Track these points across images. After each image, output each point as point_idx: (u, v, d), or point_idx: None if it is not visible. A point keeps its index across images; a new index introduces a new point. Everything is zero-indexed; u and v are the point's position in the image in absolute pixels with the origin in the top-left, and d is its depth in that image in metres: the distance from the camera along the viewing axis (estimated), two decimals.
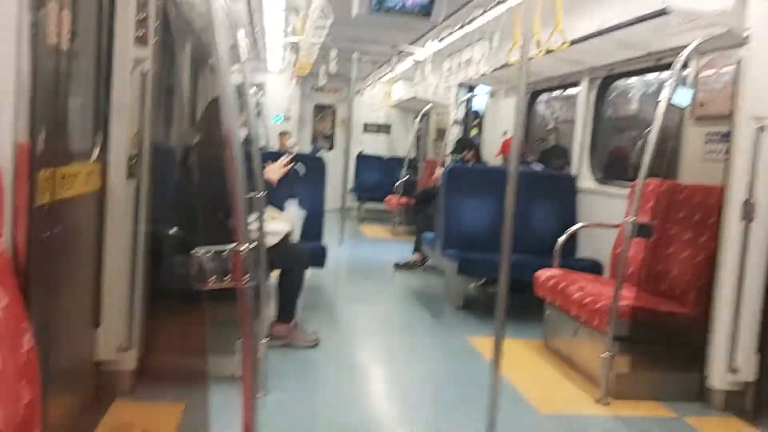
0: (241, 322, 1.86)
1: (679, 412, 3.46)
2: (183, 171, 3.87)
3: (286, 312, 4.22)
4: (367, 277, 6.69)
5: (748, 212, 3.41)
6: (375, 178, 11.52)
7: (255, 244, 1.89)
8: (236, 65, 2.99)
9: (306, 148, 12.15)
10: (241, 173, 1.80)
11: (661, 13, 3.74)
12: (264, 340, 3.43)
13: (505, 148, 6.58)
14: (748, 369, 3.45)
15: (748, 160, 3.40)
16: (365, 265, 7.49)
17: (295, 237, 4.47)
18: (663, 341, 3.65)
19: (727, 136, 3.61)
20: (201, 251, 1.83)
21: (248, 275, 1.83)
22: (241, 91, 3.08)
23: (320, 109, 12.87)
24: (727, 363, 3.47)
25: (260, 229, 3.08)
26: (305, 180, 5.17)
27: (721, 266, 3.52)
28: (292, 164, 4.24)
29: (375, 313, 5.25)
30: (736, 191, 3.46)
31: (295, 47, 7.81)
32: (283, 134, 10.65)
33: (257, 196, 3.00)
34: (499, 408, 2.74)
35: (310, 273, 5.60)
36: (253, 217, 3.01)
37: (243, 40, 3.16)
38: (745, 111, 3.45)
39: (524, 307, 5.24)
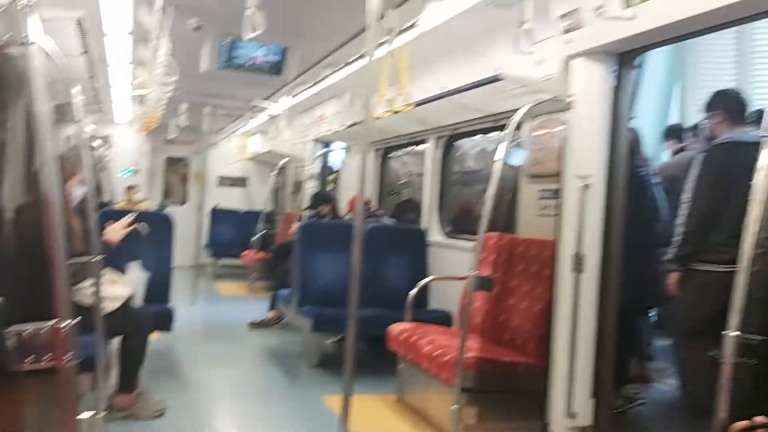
0: (63, 404, 1.71)
1: None
2: (9, 235, 3.57)
3: (128, 381, 3.97)
4: (221, 338, 6.45)
5: (578, 264, 3.65)
6: (231, 232, 11.27)
7: (79, 319, 1.76)
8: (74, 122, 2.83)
9: (158, 200, 11.71)
10: (62, 240, 1.68)
11: (496, 79, 3.99)
12: (102, 414, 3.19)
13: (351, 205, 6.67)
14: (585, 413, 3.64)
15: (576, 216, 3.66)
16: (219, 324, 7.24)
17: (138, 300, 4.24)
18: (508, 390, 3.79)
19: (557, 193, 3.87)
20: (17, 328, 1.69)
21: (71, 353, 1.70)
22: (77, 148, 2.92)
23: (172, 162, 12.49)
24: (565, 409, 3.64)
25: (97, 294, 2.89)
26: (151, 239, 4.94)
27: (557, 316, 3.73)
28: (134, 224, 4.05)
29: (227, 377, 5.06)
30: (566, 244, 3.70)
31: (142, 100, 7.57)
32: (130, 188, 10.20)
33: (93, 260, 2.82)
34: None
35: (157, 337, 5.34)
36: (88, 282, 2.84)
37: (79, 96, 3.01)
38: (571, 170, 3.73)
39: (380, 362, 5.28)
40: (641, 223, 4.09)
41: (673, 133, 5.62)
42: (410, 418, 4.18)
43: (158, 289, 4.81)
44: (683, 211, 3.77)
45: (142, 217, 4.41)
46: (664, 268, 4.00)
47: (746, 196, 3.19)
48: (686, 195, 3.79)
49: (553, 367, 3.71)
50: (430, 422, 4.05)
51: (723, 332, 2.16)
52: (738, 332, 2.14)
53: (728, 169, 3.63)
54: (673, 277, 3.87)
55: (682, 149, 5.43)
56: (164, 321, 4.68)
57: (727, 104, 3.90)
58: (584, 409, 3.64)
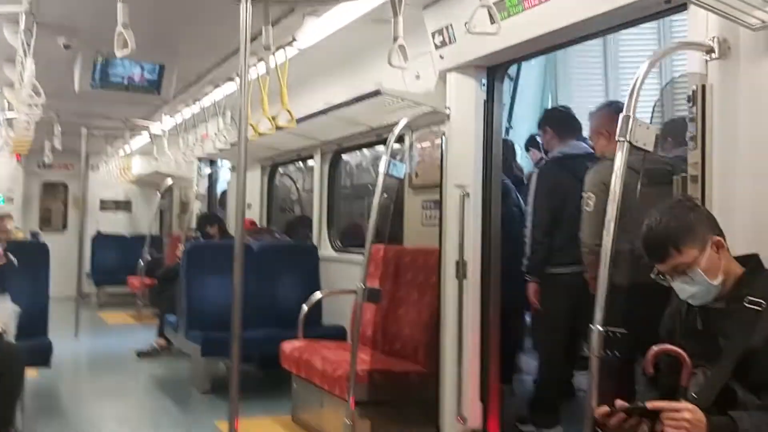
0: None
1: None
2: None
3: (2, 422, 3.71)
4: (107, 371, 6.15)
5: (461, 271, 3.76)
6: (115, 258, 10.76)
7: None
8: None
9: (35, 227, 11.06)
10: None
11: (376, 93, 4.06)
12: None
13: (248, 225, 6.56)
14: (474, 417, 3.73)
15: (457, 224, 3.77)
16: (105, 356, 6.90)
17: (10, 336, 3.97)
18: (400, 400, 3.83)
19: (438, 203, 3.98)
20: None
21: None
22: None
23: (50, 187, 11.83)
24: (455, 414, 3.73)
25: None
26: (24, 269, 4.65)
27: (444, 323, 3.82)
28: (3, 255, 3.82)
29: (114, 411, 4.82)
30: (449, 252, 3.80)
31: (10, 123, 7.14)
32: (2, 218, 9.56)
33: None
34: None
35: (35, 374, 5.03)
36: None
37: None
38: (450, 180, 3.84)
39: (276, 383, 5.20)
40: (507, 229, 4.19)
41: (534, 143, 5.86)
42: None
43: (34, 322, 4.53)
44: (528, 223, 3.98)
45: (12, 247, 4.16)
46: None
47: (579, 203, 3.51)
48: (528, 207, 4.03)
49: (443, 373, 3.79)
50: None
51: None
52: (603, 327, 2.26)
53: (561, 179, 3.93)
54: (531, 288, 4.00)
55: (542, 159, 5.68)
56: (41, 356, 4.40)
57: (555, 121, 4.24)
58: (473, 412, 3.73)
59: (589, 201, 3.45)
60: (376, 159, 7.45)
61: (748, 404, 1.84)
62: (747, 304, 1.93)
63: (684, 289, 2.00)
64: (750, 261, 2.04)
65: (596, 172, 3.46)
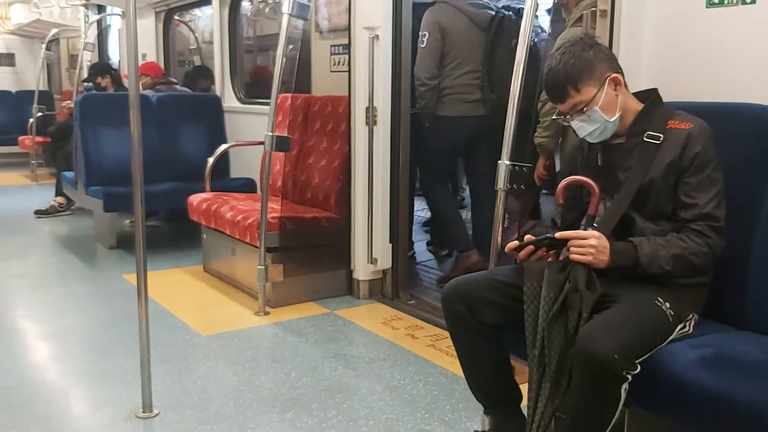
0: None
1: (331, 307, 3.76)
2: None
3: None
4: (4, 231, 5.87)
5: (371, 117, 3.71)
6: (2, 117, 10.05)
7: None
8: None
9: None
10: None
11: None
12: None
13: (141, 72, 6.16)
14: (384, 258, 3.85)
15: (366, 69, 3.67)
16: (1, 217, 6.58)
17: None
18: (313, 245, 3.88)
19: (347, 48, 3.84)
20: None
21: None
22: None
23: None
24: (367, 256, 3.83)
25: None
26: None
27: (354, 169, 3.82)
28: None
29: (17, 269, 4.64)
30: (359, 99, 3.73)
31: None
32: None
33: None
34: (158, 338, 2.65)
35: None
36: None
37: None
38: (359, 23, 3.69)
39: (185, 237, 5.15)
40: None
41: None
42: (218, 286, 4.18)
43: None
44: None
45: None
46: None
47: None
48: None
49: (354, 218, 3.84)
50: (237, 286, 4.07)
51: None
52: (509, 162, 2.31)
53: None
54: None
55: None
56: None
57: None
58: (383, 254, 3.84)
59: (423, 39, 3.80)
60: (277, 8, 7.09)
61: (645, 231, 1.94)
62: (645, 138, 1.98)
63: (582, 128, 2.03)
64: (649, 96, 2.07)
65: (431, 12, 3.85)
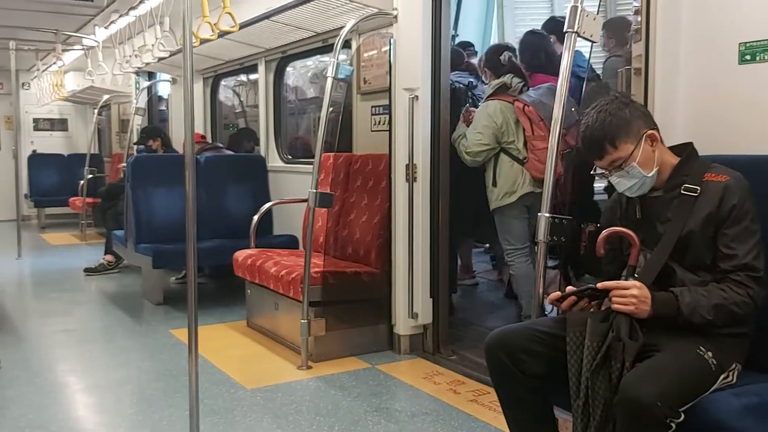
0: None
1: (372, 361, 3.79)
2: None
3: None
4: (54, 289, 6.07)
5: (411, 174, 3.81)
6: (54, 179, 10.48)
7: None
8: None
9: None
10: None
11: None
12: None
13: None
14: (425, 313, 3.88)
15: (406, 128, 3.79)
16: (51, 275, 6.80)
17: None
18: (354, 300, 3.94)
19: (387, 108, 3.98)
20: None
21: None
22: None
23: None
24: (407, 310, 3.87)
25: None
26: None
27: (394, 225, 3.90)
28: None
29: (66, 325, 4.80)
30: (399, 156, 3.85)
31: None
32: None
33: None
34: (205, 390, 2.71)
35: None
36: None
37: None
38: (399, 83, 3.84)
39: (229, 293, 5.26)
40: None
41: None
42: (261, 340, 4.25)
43: None
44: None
45: None
46: None
47: None
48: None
49: (395, 273, 3.91)
50: (281, 341, 4.13)
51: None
52: (549, 214, 2.37)
53: None
54: None
55: None
56: None
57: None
58: (424, 309, 3.88)
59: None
60: (320, 73, 7.35)
61: (686, 281, 1.97)
62: (683, 191, 2.03)
63: (621, 183, 2.09)
64: (685, 150, 2.13)
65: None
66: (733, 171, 2.01)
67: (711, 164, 2.06)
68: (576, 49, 2.43)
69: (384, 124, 4.10)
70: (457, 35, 6.23)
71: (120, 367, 3.87)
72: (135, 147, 6.84)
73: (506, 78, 4.00)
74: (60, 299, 5.64)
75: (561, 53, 4.96)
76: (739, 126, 2.33)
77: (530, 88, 4.12)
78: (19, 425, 3.00)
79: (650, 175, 2.06)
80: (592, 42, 2.34)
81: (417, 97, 3.77)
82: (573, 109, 4.14)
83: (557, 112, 2.49)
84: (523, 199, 3.92)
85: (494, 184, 3.93)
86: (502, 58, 4.10)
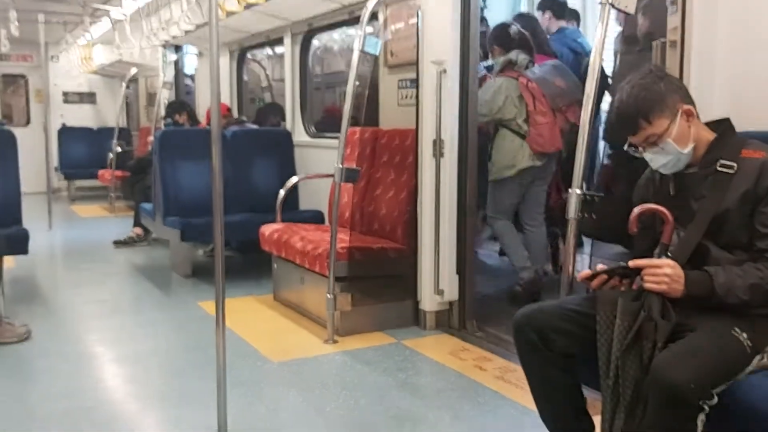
0: None
1: (398, 337, 3.79)
2: None
3: None
4: (84, 260, 6.17)
5: (438, 150, 3.77)
6: (84, 152, 10.59)
7: None
8: None
9: None
10: None
11: None
12: None
13: (208, 117, 6.44)
14: (451, 289, 3.87)
15: (434, 102, 3.75)
16: (81, 246, 6.91)
17: None
18: (380, 275, 3.94)
19: (415, 82, 3.93)
20: None
21: None
22: None
23: (9, 80, 11.42)
24: (433, 287, 3.85)
25: None
26: None
27: (421, 201, 3.88)
28: None
29: (96, 296, 4.88)
30: (426, 132, 3.81)
31: None
32: None
33: None
34: (232, 363, 2.74)
35: (13, 263, 5.05)
36: None
37: None
38: (427, 57, 3.78)
39: (255, 267, 5.29)
40: None
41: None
42: (287, 314, 4.27)
43: (7, 212, 4.48)
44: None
45: None
46: None
47: None
48: None
49: (420, 249, 3.89)
50: (307, 315, 4.15)
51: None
52: (581, 191, 2.32)
53: None
54: None
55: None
56: (18, 243, 4.37)
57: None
58: (450, 285, 3.86)
59: None
60: (346, 46, 7.29)
61: (721, 260, 1.92)
62: (719, 168, 1.97)
63: (656, 159, 2.04)
64: (721, 125, 2.06)
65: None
66: None
67: (748, 140, 2.00)
68: (573, 27, 2.40)
69: (411, 98, 4.05)
70: (486, 7, 6.11)
71: (148, 338, 3.93)
72: (163, 121, 6.87)
73: (512, 54, 4.19)
74: (90, 271, 5.72)
75: (555, 30, 5.05)
76: None
77: (535, 65, 4.33)
78: (49, 395, 3.06)
79: (686, 151, 2.00)
80: (627, 14, 2.27)
81: (445, 70, 3.71)
82: (573, 85, 4.24)
83: (590, 87, 2.44)
84: (521, 175, 4.19)
85: (491, 158, 4.22)
86: (511, 31, 4.25)
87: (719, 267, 1.89)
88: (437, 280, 3.85)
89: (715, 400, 1.67)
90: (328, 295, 3.69)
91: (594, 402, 2.08)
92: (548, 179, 4.42)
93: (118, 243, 6.61)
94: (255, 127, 6.22)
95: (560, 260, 4.97)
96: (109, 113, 11.40)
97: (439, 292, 3.85)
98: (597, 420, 1.99)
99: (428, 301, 3.90)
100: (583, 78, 4.51)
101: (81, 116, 11.53)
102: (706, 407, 1.66)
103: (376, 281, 3.92)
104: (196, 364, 3.41)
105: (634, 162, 2.18)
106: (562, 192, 4.55)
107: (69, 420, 2.78)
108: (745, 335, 1.81)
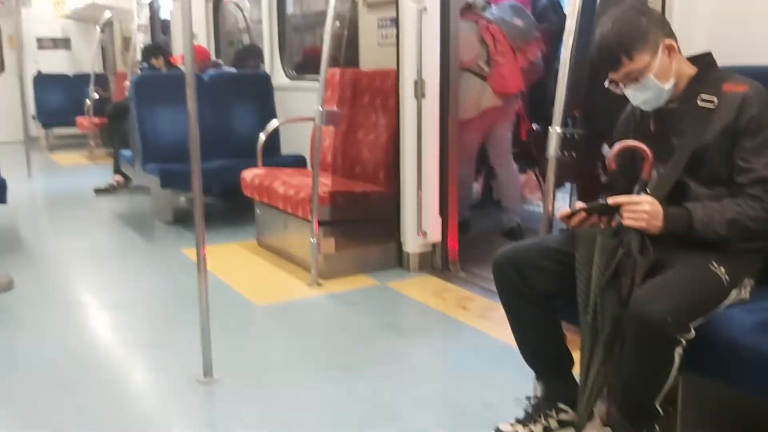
0: None
1: (381, 279, 3.81)
2: None
3: None
4: (65, 207, 6.12)
5: (419, 90, 3.72)
6: (60, 99, 10.37)
7: None
8: None
9: None
10: None
11: None
12: None
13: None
14: (433, 231, 3.88)
15: (415, 42, 3.67)
16: (61, 195, 6.83)
17: None
18: (363, 219, 3.93)
19: (395, 21, 3.84)
20: None
21: None
22: None
23: None
24: (416, 229, 3.86)
25: None
26: None
27: (403, 143, 3.84)
28: None
29: (78, 244, 4.84)
30: (407, 72, 3.74)
31: None
32: None
33: None
34: (216, 308, 2.75)
35: None
36: None
37: None
38: None
39: (238, 213, 5.27)
40: None
41: None
42: (271, 259, 4.27)
43: None
44: None
45: None
46: None
47: None
48: None
49: (403, 191, 3.88)
50: (290, 259, 4.15)
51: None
52: (561, 129, 2.30)
53: None
54: None
55: None
56: None
57: None
58: (433, 227, 3.87)
59: None
60: None
61: (700, 197, 1.92)
62: (699, 103, 1.95)
63: (636, 96, 2.01)
64: (702, 60, 2.03)
65: None
66: (753, 81, 1.92)
67: (730, 74, 1.97)
68: None
69: (391, 38, 3.97)
70: None
71: (133, 286, 3.92)
72: (139, 65, 6.71)
73: None
74: (71, 219, 5.68)
75: None
76: (761, 35, 2.21)
77: (492, 5, 4.41)
78: (35, 343, 3.06)
79: (667, 87, 1.98)
80: None
81: (425, 8, 3.62)
82: (531, 24, 4.27)
83: (570, 24, 2.38)
84: (483, 116, 4.28)
85: None
86: None
87: (698, 203, 1.89)
88: (420, 222, 3.85)
89: (693, 334, 1.69)
90: (311, 240, 3.68)
91: (573, 338, 2.11)
92: (512, 118, 4.53)
93: (98, 191, 6.54)
94: (233, 70, 6.10)
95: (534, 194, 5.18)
96: (84, 59, 11.11)
97: (422, 234, 3.85)
98: (576, 355, 2.02)
99: (411, 243, 3.91)
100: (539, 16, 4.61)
101: (56, 63, 11.24)
102: (683, 341, 1.68)
103: (359, 225, 3.92)
104: (181, 310, 3.41)
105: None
106: (530, 124, 4.77)
107: (55, 367, 2.79)
108: (722, 269, 1.82)
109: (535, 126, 4.53)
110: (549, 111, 2.40)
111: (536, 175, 5.00)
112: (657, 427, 1.87)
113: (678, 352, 1.69)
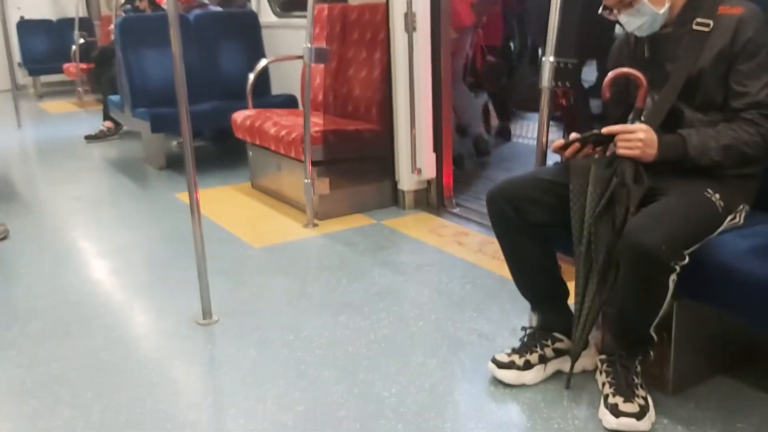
0: None
1: (377, 217, 3.81)
2: None
3: None
4: (57, 157, 6.05)
5: (410, 23, 3.63)
6: (46, 46, 10.15)
7: None
8: None
9: None
10: None
11: None
12: None
13: None
14: (428, 168, 3.85)
15: None
16: (52, 143, 6.74)
17: None
18: (356, 158, 3.90)
19: None
20: None
21: None
22: None
23: None
24: (411, 166, 3.83)
25: None
26: None
27: (395, 78, 3.78)
28: None
29: (71, 192, 4.80)
30: (396, 4, 3.65)
31: None
32: None
33: None
34: (212, 251, 2.75)
35: None
36: None
37: None
38: None
39: (231, 155, 5.23)
40: None
41: None
42: (266, 201, 4.26)
43: None
44: None
45: None
46: None
47: None
48: None
49: (396, 129, 3.83)
50: (285, 200, 4.15)
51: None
52: (555, 58, 2.25)
53: None
54: None
55: None
56: None
57: None
58: (427, 164, 3.84)
59: None
60: None
61: (695, 123, 1.90)
62: (694, 27, 1.91)
63: (630, 22, 1.96)
64: None
65: None
66: (749, 3, 1.88)
67: None
68: None
69: None
70: None
71: (128, 231, 3.91)
72: (122, 8, 6.55)
73: None
74: (63, 167, 5.63)
75: None
76: None
77: None
78: (33, 292, 3.07)
79: (661, 11, 1.93)
80: None
81: None
82: None
83: None
84: None
85: None
86: None
87: (693, 129, 1.87)
88: (414, 159, 3.82)
89: (687, 260, 1.69)
90: (305, 180, 3.66)
91: (568, 268, 2.13)
92: (465, 51, 4.62)
93: (89, 138, 6.47)
94: (219, 9, 5.94)
95: (491, 123, 5.31)
96: (67, 3, 10.82)
97: (417, 171, 3.83)
98: (571, 286, 2.03)
99: (406, 181, 3.89)
100: None
101: (39, 7, 10.93)
102: (677, 267, 1.69)
103: (354, 164, 3.89)
104: (177, 253, 3.42)
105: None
106: (486, 56, 5.00)
107: (55, 314, 2.81)
108: (717, 195, 1.82)
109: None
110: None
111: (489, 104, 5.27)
112: (651, 353, 1.90)
113: (672, 279, 1.70)
